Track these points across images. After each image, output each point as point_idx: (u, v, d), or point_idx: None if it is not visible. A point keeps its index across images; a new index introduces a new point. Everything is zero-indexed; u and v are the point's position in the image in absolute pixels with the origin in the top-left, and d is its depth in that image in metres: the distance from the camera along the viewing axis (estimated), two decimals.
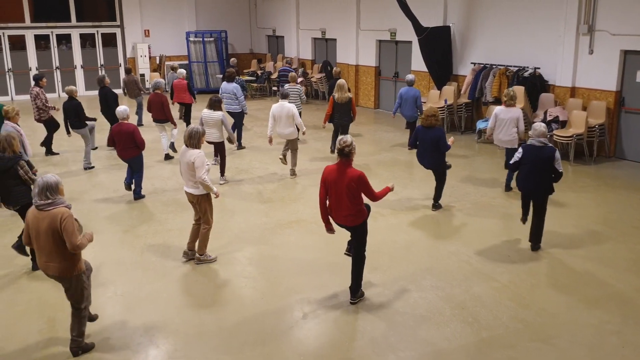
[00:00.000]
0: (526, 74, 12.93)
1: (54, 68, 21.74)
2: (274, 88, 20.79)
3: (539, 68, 12.97)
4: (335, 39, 20.16)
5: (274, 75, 20.96)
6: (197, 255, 7.33)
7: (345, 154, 5.88)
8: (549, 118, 12.09)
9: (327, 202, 6.12)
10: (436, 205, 9.15)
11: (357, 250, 6.23)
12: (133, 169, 9.68)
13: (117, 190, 10.31)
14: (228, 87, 12.79)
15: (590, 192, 10.03)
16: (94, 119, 12.21)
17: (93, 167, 11.83)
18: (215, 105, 10.13)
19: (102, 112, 13.15)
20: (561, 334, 5.67)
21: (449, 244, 7.87)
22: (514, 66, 13.47)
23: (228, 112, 12.87)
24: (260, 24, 24.87)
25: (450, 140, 8.73)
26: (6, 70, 20.81)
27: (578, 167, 11.56)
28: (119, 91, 16.66)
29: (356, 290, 6.29)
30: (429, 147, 8.64)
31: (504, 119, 9.46)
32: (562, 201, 9.47)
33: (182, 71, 14.99)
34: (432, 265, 7.25)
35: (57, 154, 13.04)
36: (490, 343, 5.54)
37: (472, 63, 14.68)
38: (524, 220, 7.75)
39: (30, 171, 7.17)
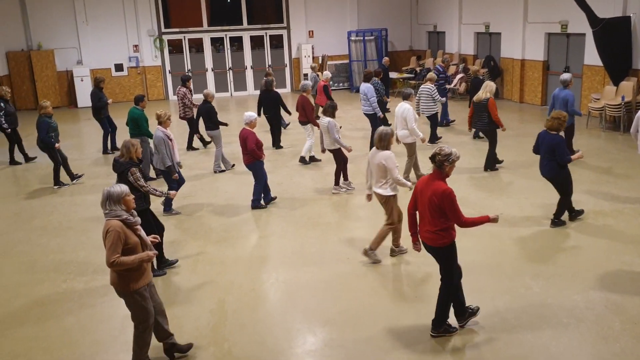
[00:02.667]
0: None
1: (227, 69, 23.46)
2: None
3: None
4: (499, 33, 19.41)
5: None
6: (368, 247, 7.36)
7: (437, 163, 5.37)
8: None
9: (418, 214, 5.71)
10: (555, 222, 8.23)
11: (442, 278, 5.63)
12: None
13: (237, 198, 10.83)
14: (362, 88, 12.66)
15: None
16: (226, 124, 12.29)
17: (224, 170, 11.86)
18: (326, 110, 9.92)
19: (265, 113, 13.59)
20: None
21: (621, 254, 7.26)
22: None
23: (365, 114, 12.80)
24: (420, 20, 24.68)
25: (576, 154, 7.93)
26: (186, 70, 22.84)
27: None
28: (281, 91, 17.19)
29: (438, 324, 5.65)
30: (545, 153, 7.90)
31: None
32: None
33: (327, 73, 15.36)
34: (602, 275, 6.74)
35: (197, 149, 13.85)
36: None
37: None
38: None
39: (142, 179, 6.98)
